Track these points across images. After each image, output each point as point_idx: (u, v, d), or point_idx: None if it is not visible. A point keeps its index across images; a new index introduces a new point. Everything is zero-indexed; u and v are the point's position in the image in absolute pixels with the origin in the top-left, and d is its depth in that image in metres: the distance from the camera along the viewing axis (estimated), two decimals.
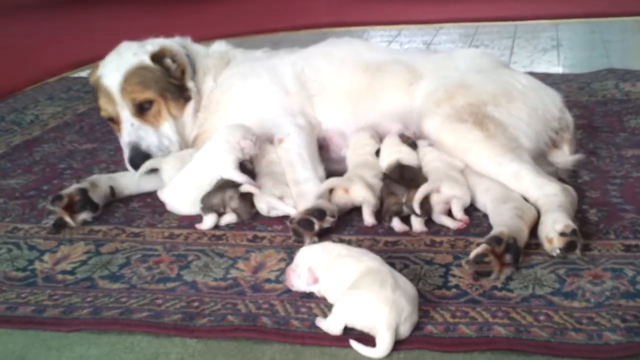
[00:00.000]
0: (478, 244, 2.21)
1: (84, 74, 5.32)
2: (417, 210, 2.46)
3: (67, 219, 2.67)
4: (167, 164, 2.81)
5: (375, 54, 3.18)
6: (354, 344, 1.88)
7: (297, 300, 2.12)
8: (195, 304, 2.14)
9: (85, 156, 3.48)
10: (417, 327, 1.93)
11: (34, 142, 3.73)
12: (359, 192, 2.61)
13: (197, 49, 3.17)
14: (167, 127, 2.93)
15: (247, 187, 2.63)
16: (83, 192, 2.72)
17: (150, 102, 2.88)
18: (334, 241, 2.41)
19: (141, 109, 2.88)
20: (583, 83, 4.15)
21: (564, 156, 2.79)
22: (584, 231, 2.39)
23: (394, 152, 2.71)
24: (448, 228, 2.49)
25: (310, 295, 2.13)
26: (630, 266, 2.18)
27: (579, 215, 2.51)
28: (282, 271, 2.29)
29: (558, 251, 2.24)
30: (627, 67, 4.42)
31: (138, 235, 2.62)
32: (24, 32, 7.12)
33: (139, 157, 2.84)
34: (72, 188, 2.75)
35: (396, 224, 2.51)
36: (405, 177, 2.62)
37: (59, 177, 3.22)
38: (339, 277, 2.04)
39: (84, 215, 2.71)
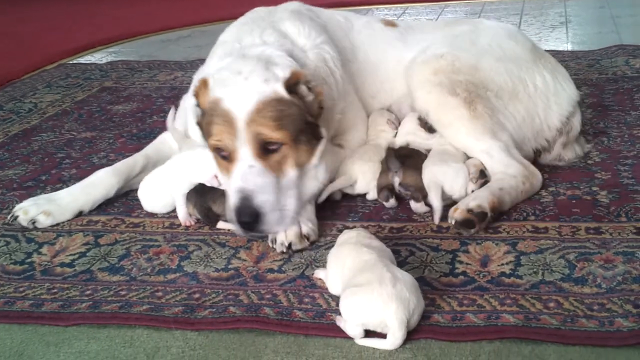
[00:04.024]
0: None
1: (82, 60, 5.26)
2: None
3: None
4: None
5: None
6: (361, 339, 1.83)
7: (300, 290, 2.07)
8: (196, 295, 2.10)
9: (84, 145, 3.42)
10: (424, 316, 1.87)
11: (32, 131, 3.67)
12: (363, 187, 2.59)
13: None
14: None
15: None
16: None
17: None
18: (337, 229, 2.37)
19: None
20: (592, 60, 4.07)
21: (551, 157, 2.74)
22: (595, 214, 2.34)
23: (409, 135, 2.70)
24: None
25: (314, 285, 2.09)
26: None
27: (588, 197, 2.45)
28: (285, 261, 2.24)
29: (453, 222, 2.28)
30: (638, 43, 4.33)
31: (138, 225, 2.57)
32: (22, 19, 7.08)
33: None
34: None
35: (392, 202, 2.51)
36: (402, 154, 2.60)
37: (58, 166, 3.16)
38: (335, 266, 2.02)
39: None
